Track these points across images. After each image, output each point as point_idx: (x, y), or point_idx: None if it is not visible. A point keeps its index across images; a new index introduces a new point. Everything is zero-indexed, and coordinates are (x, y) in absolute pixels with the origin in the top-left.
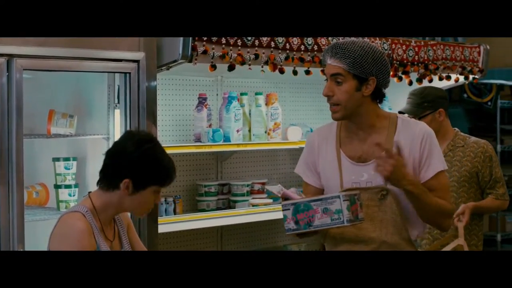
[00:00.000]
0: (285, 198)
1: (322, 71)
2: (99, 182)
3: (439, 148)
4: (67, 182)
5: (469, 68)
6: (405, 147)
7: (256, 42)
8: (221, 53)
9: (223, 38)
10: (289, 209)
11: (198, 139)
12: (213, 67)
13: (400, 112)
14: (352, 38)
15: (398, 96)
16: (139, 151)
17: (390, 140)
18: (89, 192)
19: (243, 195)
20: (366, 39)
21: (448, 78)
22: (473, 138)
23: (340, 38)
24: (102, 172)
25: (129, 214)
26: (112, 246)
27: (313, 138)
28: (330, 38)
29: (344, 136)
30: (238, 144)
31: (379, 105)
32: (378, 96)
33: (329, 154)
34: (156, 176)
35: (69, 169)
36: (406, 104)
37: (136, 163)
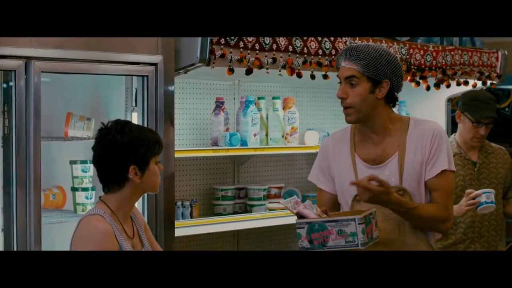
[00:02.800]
0: (300, 216)
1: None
2: (107, 188)
3: (449, 148)
4: (84, 185)
5: (487, 74)
6: (417, 146)
7: (274, 46)
8: (239, 57)
9: (241, 42)
10: (303, 228)
11: (215, 143)
12: (231, 71)
13: (493, 120)
14: (366, 42)
15: (415, 101)
16: (126, 136)
17: (402, 141)
18: (100, 197)
19: (259, 199)
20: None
21: (466, 83)
22: (493, 144)
23: (357, 39)
24: (105, 178)
25: (144, 217)
26: (133, 244)
27: (327, 144)
28: (348, 43)
29: (358, 140)
30: (255, 148)
31: (393, 109)
32: (392, 99)
33: (343, 158)
34: (150, 148)
35: (86, 172)
36: (487, 109)
37: (131, 146)
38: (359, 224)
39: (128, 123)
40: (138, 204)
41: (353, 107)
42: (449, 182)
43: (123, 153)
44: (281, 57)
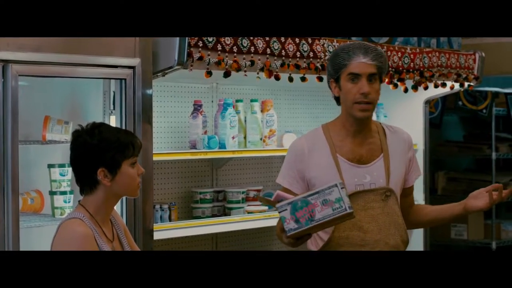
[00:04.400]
0: (279, 199)
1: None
2: (82, 191)
3: None
4: (62, 189)
5: (464, 75)
6: (397, 151)
7: (252, 49)
8: (216, 60)
9: (218, 44)
10: (286, 209)
11: (193, 146)
12: (209, 73)
13: None
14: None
15: (393, 103)
16: (96, 137)
17: (384, 144)
18: (79, 201)
19: (238, 202)
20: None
21: (444, 85)
22: None
23: (335, 40)
24: (78, 180)
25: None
26: (113, 247)
27: (302, 145)
28: (325, 46)
29: (338, 141)
30: (233, 151)
31: None
32: None
33: (323, 160)
34: (122, 150)
35: (64, 175)
36: None
37: (100, 148)
38: (342, 188)
39: (102, 125)
40: (116, 207)
41: (372, 103)
42: None
43: (91, 155)
44: (259, 59)
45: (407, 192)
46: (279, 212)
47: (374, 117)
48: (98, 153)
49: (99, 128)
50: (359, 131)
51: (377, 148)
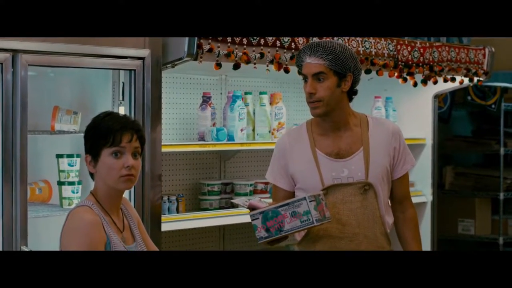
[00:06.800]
0: (252, 208)
1: (298, 72)
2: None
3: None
4: (70, 179)
5: (474, 70)
6: (379, 143)
7: (262, 41)
8: (226, 52)
9: (228, 36)
10: (258, 218)
11: (202, 138)
12: (218, 65)
13: None
14: (327, 39)
15: (402, 97)
16: (90, 123)
17: (365, 137)
18: (91, 191)
19: (246, 194)
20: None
21: (453, 80)
22: None
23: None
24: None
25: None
26: (124, 238)
27: (284, 141)
28: (335, 39)
29: (317, 134)
30: (241, 143)
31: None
32: (351, 93)
33: (303, 155)
34: (100, 137)
35: (72, 166)
36: None
37: (86, 134)
38: (310, 202)
39: (107, 113)
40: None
41: (322, 101)
42: (408, 176)
43: (85, 140)
44: (268, 52)
45: (395, 184)
46: (251, 220)
47: (383, 111)
48: (85, 139)
49: (100, 115)
50: (332, 126)
51: (357, 141)
